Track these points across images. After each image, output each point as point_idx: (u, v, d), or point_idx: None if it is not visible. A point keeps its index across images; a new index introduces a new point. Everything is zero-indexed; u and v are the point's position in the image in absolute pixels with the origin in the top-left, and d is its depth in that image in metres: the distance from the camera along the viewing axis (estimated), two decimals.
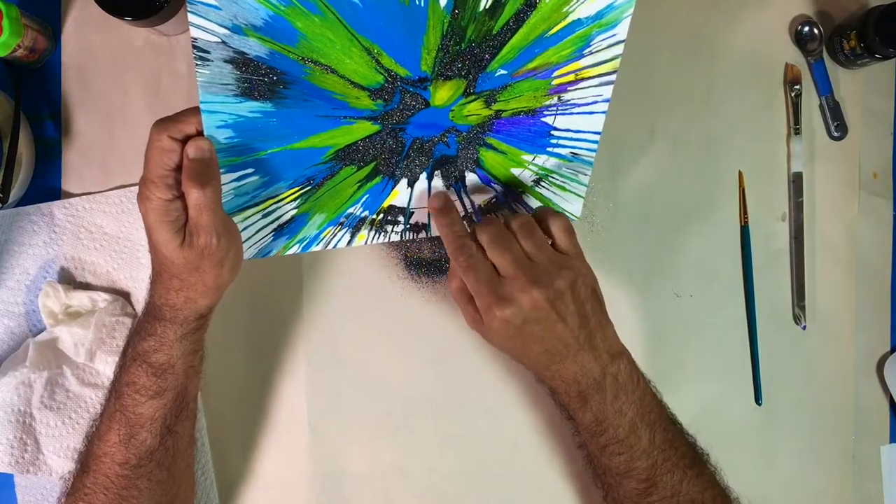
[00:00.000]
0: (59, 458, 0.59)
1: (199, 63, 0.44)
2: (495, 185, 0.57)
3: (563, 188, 0.58)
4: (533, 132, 0.54)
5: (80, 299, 0.61)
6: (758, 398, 0.66)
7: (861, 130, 0.68)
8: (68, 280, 0.63)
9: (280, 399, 0.63)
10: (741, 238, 0.67)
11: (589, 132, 0.55)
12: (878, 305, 0.68)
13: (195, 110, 0.46)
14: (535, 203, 0.59)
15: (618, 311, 0.65)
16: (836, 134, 0.67)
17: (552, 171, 0.57)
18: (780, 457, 0.66)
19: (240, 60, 0.45)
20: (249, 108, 0.47)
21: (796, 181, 0.67)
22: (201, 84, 0.45)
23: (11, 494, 0.61)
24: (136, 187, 0.49)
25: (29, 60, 0.61)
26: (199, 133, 0.46)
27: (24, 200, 0.63)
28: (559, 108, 0.53)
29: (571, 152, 0.56)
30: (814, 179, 0.67)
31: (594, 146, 0.55)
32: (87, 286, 0.63)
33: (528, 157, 0.56)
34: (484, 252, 0.50)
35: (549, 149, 0.56)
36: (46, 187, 0.63)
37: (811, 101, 0.68)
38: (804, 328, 0.67)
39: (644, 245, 0.66)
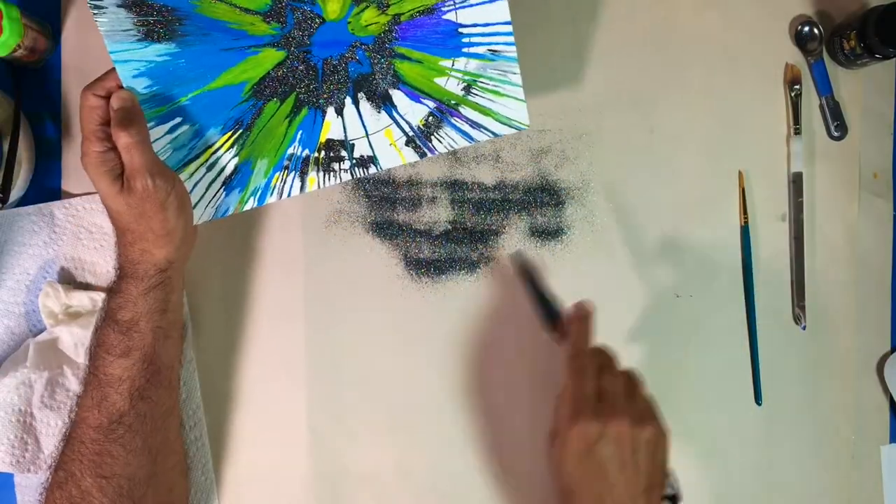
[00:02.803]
0: None
1: (95, 12, 0.49)
2: (425, 101, 0.56)
3: (497, 92, 0.56)
4: (441, 33, 0.54)
5: (80, 299, 0.61)
6: (758, 398, 0.66)
7: (861, 130, 0.68)
8: (68, 280, 0.63)
9: (280, 399, 0.63)
10: (741, 238, 0.67)
11: (498, 23, 0.54)
12: (878, 305, 0.68)
13: (114, 67, 0.51)
14: (477, 117, 0.57)
15: (618, 312, 0.65)
16: (836, 134, 0.67)
17: (478, 75, 0.56)
18: (780, 457, 0.66)
19: (131, 3, 0.49)
20: (156, 51, 0.51)
21: (796, 181, 0.67)
22: (104, 34, 0.49)
23: (11, 494, 0.61)
24: None
25: (29, 60, 0.61)
26: (120, 87, 0.51)
27: (24, 200, 0.63)
28: (456, 0, 0.54)
29: (489, 49, 0.55)
30: (814, 179, 0.67)
31: (510, 38, 0.54)
32: (87, 286, 0.63)
33: (446, 63, 0.56)
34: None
35: (465, 49, 0.55)
36: (46, 187, 0.63)
37: (811, 101, 0.68)
38: (804, 328, 0.67)
39: (644, 245, 0.66)
